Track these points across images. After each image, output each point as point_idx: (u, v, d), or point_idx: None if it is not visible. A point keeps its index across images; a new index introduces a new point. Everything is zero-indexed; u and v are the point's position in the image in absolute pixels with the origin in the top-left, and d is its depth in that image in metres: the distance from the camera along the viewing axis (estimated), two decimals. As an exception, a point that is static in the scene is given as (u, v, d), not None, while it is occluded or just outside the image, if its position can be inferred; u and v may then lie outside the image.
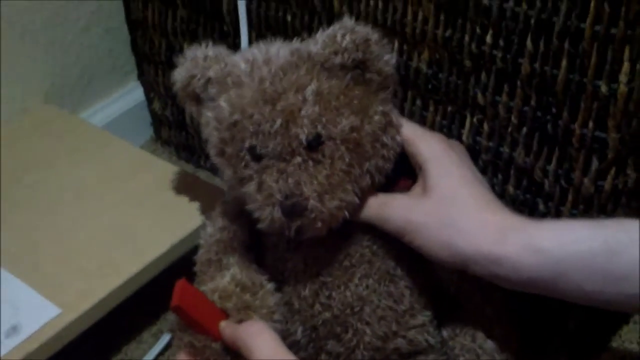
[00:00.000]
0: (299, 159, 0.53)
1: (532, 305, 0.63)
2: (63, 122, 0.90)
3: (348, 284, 0.58)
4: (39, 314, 0.66)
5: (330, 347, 0.59)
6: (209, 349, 0.54)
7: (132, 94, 1.02)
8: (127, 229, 0.74)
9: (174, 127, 0.97)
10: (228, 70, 0.56)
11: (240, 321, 0.54)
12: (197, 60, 0.57)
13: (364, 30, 0.54)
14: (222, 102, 0.55)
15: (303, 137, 0.53)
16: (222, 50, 0.59)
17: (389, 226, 0.56)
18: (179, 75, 0.58)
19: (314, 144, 0.53)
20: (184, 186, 0.79)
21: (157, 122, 1.00)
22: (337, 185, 0.54)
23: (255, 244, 0.62)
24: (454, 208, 0.54)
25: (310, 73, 0.54)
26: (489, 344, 0.58)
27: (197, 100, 0.58)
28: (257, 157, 0.54)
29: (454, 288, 0.59)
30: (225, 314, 0.55)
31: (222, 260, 0.61)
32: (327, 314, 0.58)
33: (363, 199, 0.56)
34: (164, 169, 0.82)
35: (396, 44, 0.66)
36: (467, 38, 0.61)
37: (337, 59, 0.54)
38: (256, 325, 0.53)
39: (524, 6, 0.57)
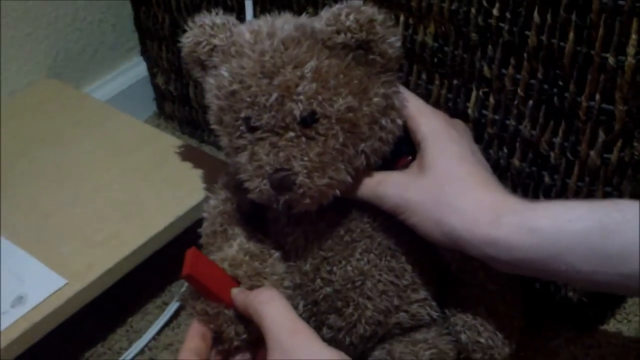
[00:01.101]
0: (291, 134, 0.53)
1: (534, 279, 0.63)
2: (67, 97, 0.90)
3: (349, 259, 0.58)
4: (45, 284, 0.66)
5: (332, 321, 0.59)
6: (223, 315, 0.55)
7: (135, 69, 1.02)
8: (132, 201, 0.75)
9: (177, 101, 0.97)
10: (233, 39, 0.56)
11: (251, 288, 0.55)
12: (205, 27, 0.57)
13: (370, 11, 0.53)
14: (223, 71, 0.55)
15: (297, 112, 0.52)
16: (230, 18, 0.58)
17: (384, 204, 0.56)
18: (186, 40, 0.58)
19: (308, 121, 0.53)
20: (188, 159, 0.79)
21: (161, 97, 1.00)
22: (329, 163, 0.54)
23: (258, 215, 0.63)
24: (450, 187, 0.53)
25: (311, 50, 0.53)
26: (491, 321, 0.58)
27: (202, 66, 0.58)
28: (252, 129, 0.54)
29: (455, 265, 0.59)
30: (236, 281, 0.55)
31: (227, 231, 0.61)
32: (328, 289, 0.59)
33: (357, 178, 0.56)
34: (168, 143, 0.82)
35: (402, 18, 0.66)
36: (473, 11, 0.61)
37: (340, 38, 0.53)
38: (267, 292, 0.53)
39: (532, -22, 0.57)
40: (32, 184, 0.77)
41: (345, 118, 0.53)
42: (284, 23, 0.55)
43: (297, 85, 0.52)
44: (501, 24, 0.60)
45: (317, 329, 0.60)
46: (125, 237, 0.70)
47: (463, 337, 0.59)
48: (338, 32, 0.53)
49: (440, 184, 0.54)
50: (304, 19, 0.57)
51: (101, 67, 0.99)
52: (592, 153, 0.60)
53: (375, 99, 0.55)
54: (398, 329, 0.60)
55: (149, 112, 1.04)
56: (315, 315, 0.60)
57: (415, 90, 0.68)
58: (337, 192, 0.55)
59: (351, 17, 0.53)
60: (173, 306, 0.76)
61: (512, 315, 0.60)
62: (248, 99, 0.53)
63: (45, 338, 0.65)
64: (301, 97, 0.52)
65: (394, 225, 0.58)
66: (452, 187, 0.53)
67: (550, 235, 0.49)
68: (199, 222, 0.65)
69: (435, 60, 0.66)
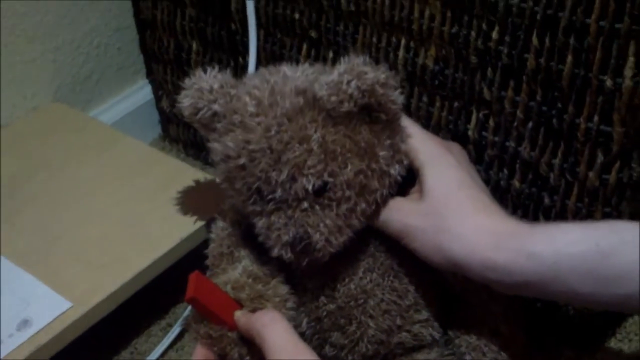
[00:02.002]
0: (305, 204, 0.54)
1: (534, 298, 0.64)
2: (73, 120, 0.91)
3: (352, 277, 0.59)
4: (50, 307, 0.66)
5: (335, 339, 0.60)
6: (226, 338, 0.55)
7: (141, 92, 1.03)
8: (136, 224, 0.75)
9: (182, 124, 0.98)
10: (234, 106, 0.56)
11: (254, 310, 0.55)
12: (202, 92, 0.57)
13: (371, 75, 0.52)
14: (229, 143, 0.55)
15: (309, 186, 0.53)
16: (227, 78, 0.58)
17: (387, 229, 0.57)
18: (185, 105, 0.58)
19: (321, 192, 0.54)
20: (192, 182, 0.80)
21: (165, 119, 1.01)
22: (344, 224, 0.55)
23: None
24: (449, 212, 0.54)
25: (315, 120, 0.53)
26: (495, 342, 0.59)
27: (205, 126, 0.58)
28: (265, 199, 0.55)
29: (459, 287, 0.60)
30: (239, 304, 0.56)
31: (234, 253, 0.61)
32: (331, 306, 0.59)
33: None
34: (173, 166, 0.83)
35: (403, 41, 0.67)
36: (473, 34, 0.62)
37: (344, 107, 0.53)
38: (269, 314, 0.54)
39: (530, 2, 0.57)
40: (38, 207, 0.78)
41: (355, 181, 0.54)
42: (285, 86, 0.55)
43: (305, 161, 0.53)
44: (500, 47, 0.61)
45: (320, 346, 0.60)
46: (130, 260, 0.71)
47: (467, 357, 0.59)
48: (341, 102, 0.52)
49: (440, 209, 0.54)
50: (303, 77, 0.55)
51: (107, 91, 1.00)
52: (590, 174, 0.61)
53: (382, 153, 0.55)
54: (400, 348, 0.60)
55: (154, 134, 1.04)
56: (319, 333, 0.60)
57: (417, 112, 0.69)
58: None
59: (352, 84, 0.52)
60: (177, 328, 0.77)
61: (515, 335, 0.60)
62: (259, 174, 0.54)
63: (50, 360, 0.65)
64: (311, 170, 0.53)
65: (396, 246, 0.58)
66: (451, 213, 0.54)
67: (548, 258, 0.49)
68: (203, 244, 0.65)
69: (436, 82, 0.67)
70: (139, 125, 1.01)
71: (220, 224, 0.63)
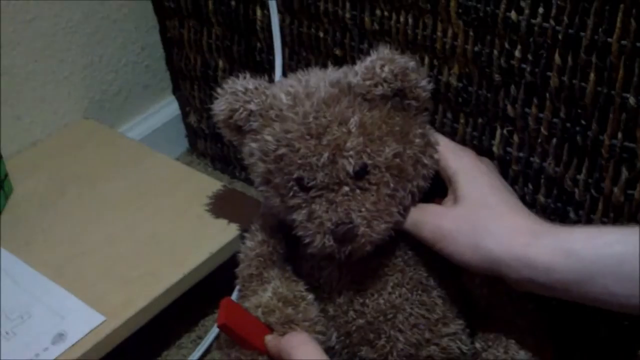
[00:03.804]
0: (346, 188, 0.55)
1: (563, 314, 0.64)
2: (102, 136, 0.93)
3: (381, 292, 0.59)
4: (84, 321, 0.67)
5: (364, 353, 0.60)
6: None
7: (168, 108, 1.04)
8: (166, 239, 0.76)
9: (209, 139, 0.99)
10: (270, 102, 0.57)
11: (284, 334, 0.56)
12: (237, 94, 0.58)
13: (402, 60, 0.56)
14: (267, 136, 0.56)
15: (350, 168, 0.54)
16: (260, 82, 0.60)
17: (421, 232, 0.57)
18: (220, 108, 0.59)
19: (361, 174, 0.55)
20: (221, 197, 0.81)
21: (193, 134, 1.02)
22: (384, 209, 0.56)
23: (291, 253, 0.64)
24: (485, 213, 0.54)
25: (352, 105, 0.55)
26: (522, 355, 0.59)
27: (238, 130, 0.59)
28: (305, 188, 0.56)
29: (484, 302, 0.60)
30: (269, 328, 0.56)
31: (263, 274, 0.62)
32: (360, 321, 0.60)
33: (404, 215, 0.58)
34: (201, 181, 0.84)
35: (427, 59, 0.68)
36: (496, 53, 0.63)
37: (378, 90, 0.55)
38: (299, 336, 0.55)
39: (552, 22, 0.58)
40: (71, 223, 0.79)
41: (393, 165, 0.56)
42: (319, 81, 0.57)
43: (345, 142, 0.54)
44: (523, 65, 0.62)
45: None
46: (161, 274, 0.72)
47: None
48: (375, 85, 0.55)
49: (476, 211, 0.55)
50: (334, 73, 0.58)
51: (135, 107, 1.01)
52: (615, 190, 0.61)
53: (416, 140, 0.57)
54: None
55: (181, 149, 1.06)
56: (348, 347, 0.61)
57: (441, 128, 0.70)
58: (392, 232, 0.57)
59: (386, 68, 0.55)
60: (207, 340, 0.78)
61: (542, 350, 0.60)
62: (299, 161, 0.55)
63: (83, 373, 0.66)
64: (351, 152, 0.54)
65: (424, 260, 0.60)
66: (488, 213, 0.54)
67: (587, 257, 0.49)
68: (232, 258, 0.66)
69: (460, 100, 0.68)
70: (167, 140, 1.02)
71: (249, 243, 0.64)
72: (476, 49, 0.64)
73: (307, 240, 0.56)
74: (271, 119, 0.57)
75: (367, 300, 0.60)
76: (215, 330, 0.78)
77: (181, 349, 0.79)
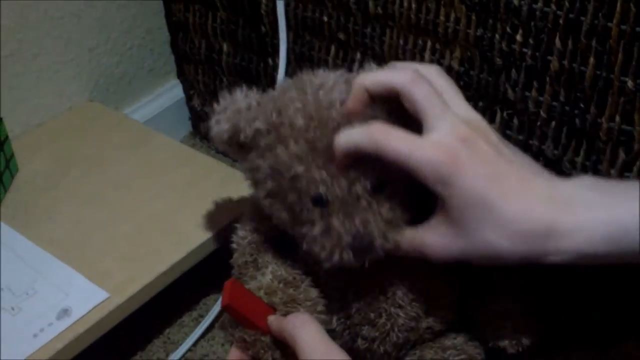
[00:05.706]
0: (364, 203, 0.54)
1: (556, 299, 0.64)
2: (107, 119, 0.93)
3: (380, 271, 0.59)
4: (88, 297, 0.68)
5: (365, 332, 0.60)
6: (260, 342, 0.56)
7: (172, 92, 1.05)
8: (170, 218, 0.77)
9: (212, 122, 1.00)
10: (279, 120, 0.54)
11: (286, 314, 0.56)
12: (241, 112, 0.55)
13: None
14: (282, 155, 0.54)
15: (368, 184, 0.54)
16: (260, 95, 0.57)
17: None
18: (223, 128, 0.55)
19: (378, 189, 0.54)
20: (223, 179, 0.81)
21: (196, 117, 1.03)
22: (398, 218, 0.55)
23: (284, 237, 0.63)
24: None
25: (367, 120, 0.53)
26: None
27: (240, 147, 0.57)
28: (322, 204, 0.54)
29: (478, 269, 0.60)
30: (272, 309, 0.57)
31: (258, 260, 0.62)
32: (360, 303, 0.60)
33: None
34: (204, 163, 0.85)
35: (429, 43, 0.69)
36: (497, 37, 0.63)
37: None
38: (301, 316, 0.55)
39: (553, 6, 0.59)
40: (75, 202, 0.80)
41: (405, 175, 0.54)
42: (325, 95, 0.54)
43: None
44: (524, 49, 0.62)
45: (352, 340, 0.61)
46: (164, 253, 0.73)
47: (490, 344, 0.60)
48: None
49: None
50: (344, 84, 0.55)
51: (140, 90, 1.02)
52: (613, 172, 0.62)
53: None
54: (429, 333, 0.61)
55: (184, 131, 1.07)
56: (349, 328, 0.61)
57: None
58: None
59: None
60: (208, 319, 0.79)
61: (534, 327, 0.60)
62: (318, 179, 0.53)
63: (86, 348, 0.67)
64: (369, 169, 0.53)
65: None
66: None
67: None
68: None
69: (461, 83, 0.68)
70: (170, 122, 1.03)
71: (240, 232, 0.63)
72: (478, 33, 0.65)
73: (321, 256, 0.55)
74: (283, 136, 0.54)
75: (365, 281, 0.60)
76: (216, 309, 0.79)
77: (183, 326, 0.80)
